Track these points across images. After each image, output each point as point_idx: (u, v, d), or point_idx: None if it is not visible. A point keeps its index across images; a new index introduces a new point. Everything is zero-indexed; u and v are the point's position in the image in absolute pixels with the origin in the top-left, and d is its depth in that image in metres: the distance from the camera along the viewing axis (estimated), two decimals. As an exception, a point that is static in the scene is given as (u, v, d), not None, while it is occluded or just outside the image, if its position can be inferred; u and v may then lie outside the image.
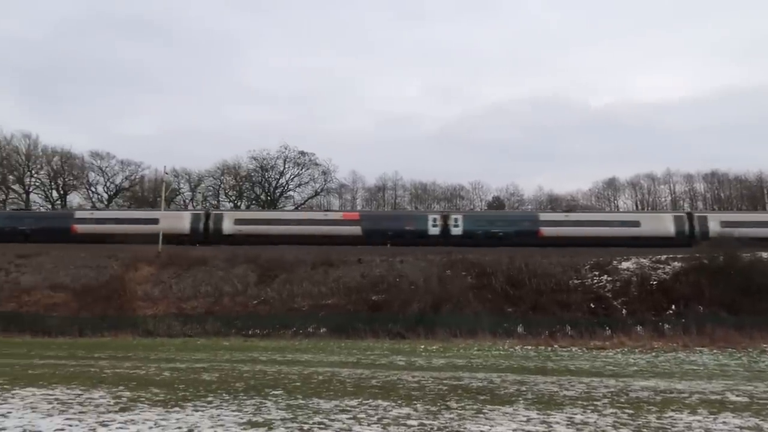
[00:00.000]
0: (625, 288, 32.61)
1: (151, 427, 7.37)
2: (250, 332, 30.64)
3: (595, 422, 8.04)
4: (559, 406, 9.28)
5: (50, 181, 70.75)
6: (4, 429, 7.15)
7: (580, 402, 9.80)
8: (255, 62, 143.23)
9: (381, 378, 13.10)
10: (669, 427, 7.85)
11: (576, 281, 33.64)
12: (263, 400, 9.54)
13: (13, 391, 10.17)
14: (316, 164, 73.91)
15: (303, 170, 74.57)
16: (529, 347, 23.64)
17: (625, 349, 22.49)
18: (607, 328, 27.85)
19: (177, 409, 8.66)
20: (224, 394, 10.17)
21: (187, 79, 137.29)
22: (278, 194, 75.06)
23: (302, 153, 73.38)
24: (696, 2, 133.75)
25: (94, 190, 73.08)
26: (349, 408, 8.90)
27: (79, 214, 49.50)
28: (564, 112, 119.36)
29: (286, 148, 73.19)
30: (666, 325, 28.06)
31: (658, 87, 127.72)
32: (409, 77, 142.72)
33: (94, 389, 10.60)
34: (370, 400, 9.64)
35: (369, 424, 7.68)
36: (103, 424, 7.47)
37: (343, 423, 7.75)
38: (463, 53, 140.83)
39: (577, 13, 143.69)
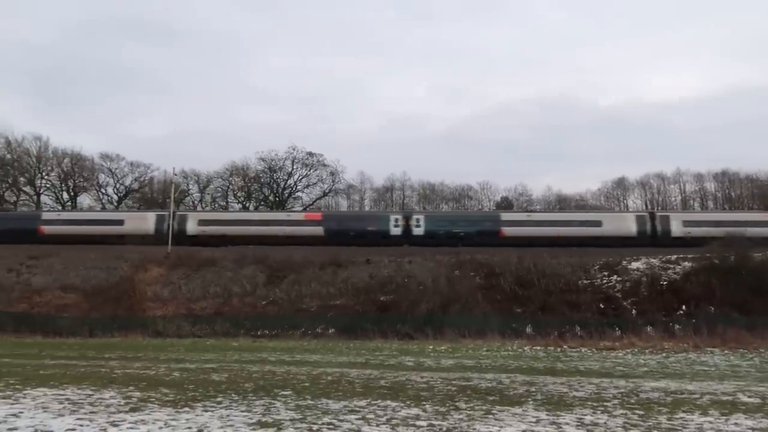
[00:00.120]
0: (635, 288, 32.40)
1: (161, 427, 7.40)
2: (258, 333, 30.71)
3: (605, 423, 7.99)
4: (569, 407, 9.23)
5: (61, 183, 71.30)
6: (16, 429, 7.21)
7: (589, 403, 9.74)
8: (262, 63, 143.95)
9: (390, 378, 13.09)
10: (680, 428, 7.79)
11: (585, 281, 33.47)
12: (272, 401, 9.56)
13: (25, 391, 10.25)
14: (324, 165, 74.05)
15: (311, 171, 74.74)
16: (538, 348, 23.54)
17: (635, 350, 22.32)
18: (617, 328, 27.65)
19: (187, 409, 8.70)
20: (233, 395, 10.20)
21: (196, 81, 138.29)
22: (287, 195, 75.18)
23: (310, 154, 73.51)
24: (703, 1, 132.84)
25: (104, 191, 73.69)
26: (358, 408, 8.90)
27: (46, 216, 49.77)
28: (572, 111, 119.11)
29: (294, 149, 73.41)
30: (676, 326, 27.83)
31: (666, 86, 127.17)
32: (417, 77, 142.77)
33: (104, 389, 10.67)
34: (379, 401, 9.63)
35: (378, 425, 7.68)
36: (113, 424, 7.52)
37: (352, 423, 7.75)
38: (470, 53, 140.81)
39: (584, 12, 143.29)
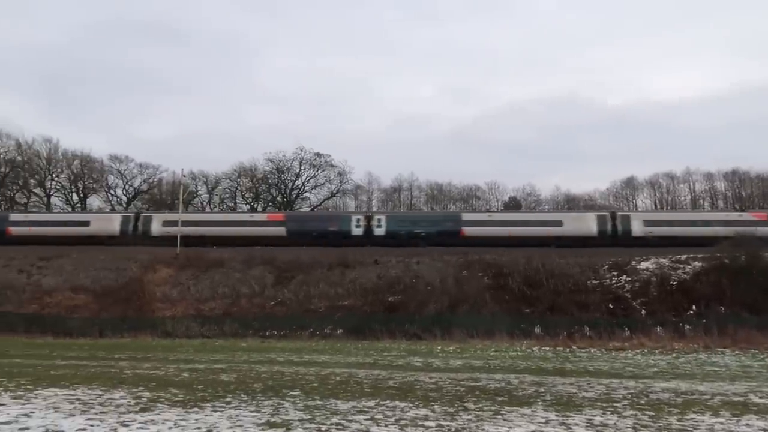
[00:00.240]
0: (645, 288, 32.21)
1: (170, 428, 7.43)
2: (267, 333, 30.82)
3: (615, 424, 7.94)
4: (578, 408, 9.19)
5: (70, 185, 71.91)
6: (27, 428, 7.26)
7: (599, 403, 9.70)
8: (269, 64, 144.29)
9: (398, 379, 13.08)
10: (691, 429, 7.73)
11: (594, 281, 33.32)
12: (281, 401, 9.58)
13: (36, 392, 10.32)
14: (332, 165, 74.08)
15: (319, 172, 74.80)
16: (547, 348, 23.47)
17: (645, 350, 22.21)
18: (627, 328, 27.51)
19: (196, 409, 8.73)
20: (242, 395, 10.23)
21: (203, 82, 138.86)
22: (294, 196, 75.34)
23: (318, 154, 73.54)
24: (703, 1, 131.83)
25: (113, 193, 74.22)
26: (366, 409, 8.91)
27: (13, 217, 50.13)
28: (580, 111, 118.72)
29: (301, 150, 73.53)
30: (686, 326, 27.63)
31: (675, 85, 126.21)
32: (424, 77, 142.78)
33: (114, 390, 10.73)
34: (388, 401, 9.63)
35: (386, 425, 7.67)
36: (123, 424, 7.55)
37: (361, 424, 7.74)
38: (477, 53, 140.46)
39: (591, 12, 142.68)
